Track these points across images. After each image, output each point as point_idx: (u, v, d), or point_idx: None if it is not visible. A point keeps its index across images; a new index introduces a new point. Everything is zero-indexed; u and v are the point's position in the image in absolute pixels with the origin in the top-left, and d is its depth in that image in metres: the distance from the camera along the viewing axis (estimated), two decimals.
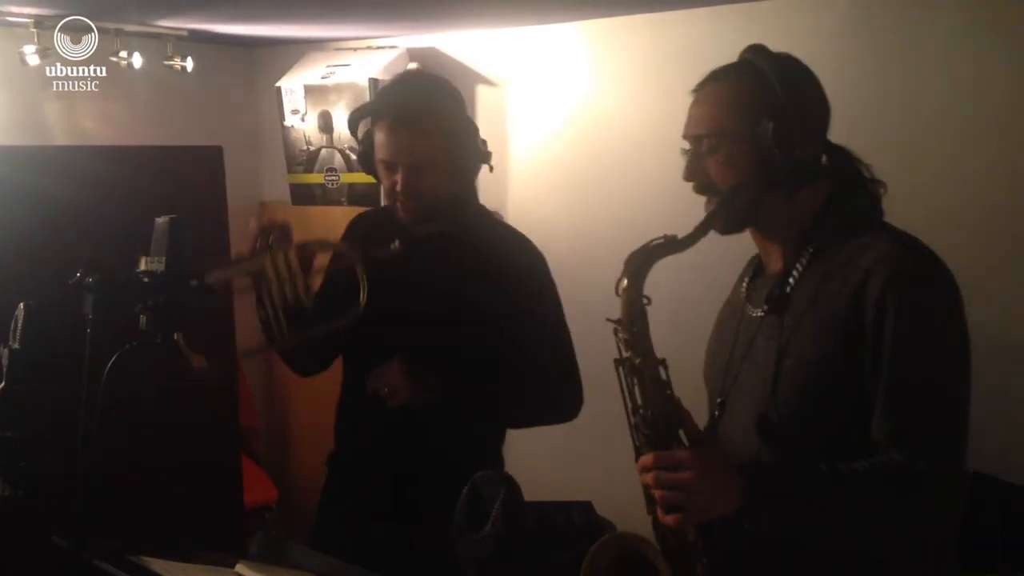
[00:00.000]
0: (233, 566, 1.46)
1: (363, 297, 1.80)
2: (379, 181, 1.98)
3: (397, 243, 1.86)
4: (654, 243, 1.45)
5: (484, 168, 2.01)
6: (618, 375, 1.46)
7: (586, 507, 1.91)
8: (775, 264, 1.58)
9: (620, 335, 1.44)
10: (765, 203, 1.51)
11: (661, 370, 1.44)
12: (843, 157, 1.57)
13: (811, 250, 1.51)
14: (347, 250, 1.84)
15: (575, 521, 1.85)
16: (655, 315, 1.44)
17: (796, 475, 1.39)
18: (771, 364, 1.49)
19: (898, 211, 1.63)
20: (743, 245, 1.64)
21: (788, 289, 1.52)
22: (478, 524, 1.21)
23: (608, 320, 1.46)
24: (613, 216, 3.32)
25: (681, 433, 1.43)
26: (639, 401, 1.45)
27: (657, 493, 1.36)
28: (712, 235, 1.51)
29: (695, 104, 1.55)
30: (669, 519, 1.36)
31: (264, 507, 3.80)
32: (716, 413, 1.61)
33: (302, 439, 4.21)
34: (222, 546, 1.62)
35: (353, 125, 1.99)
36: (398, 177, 1.88)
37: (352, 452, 2.09)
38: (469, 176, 1.98)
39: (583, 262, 2.99)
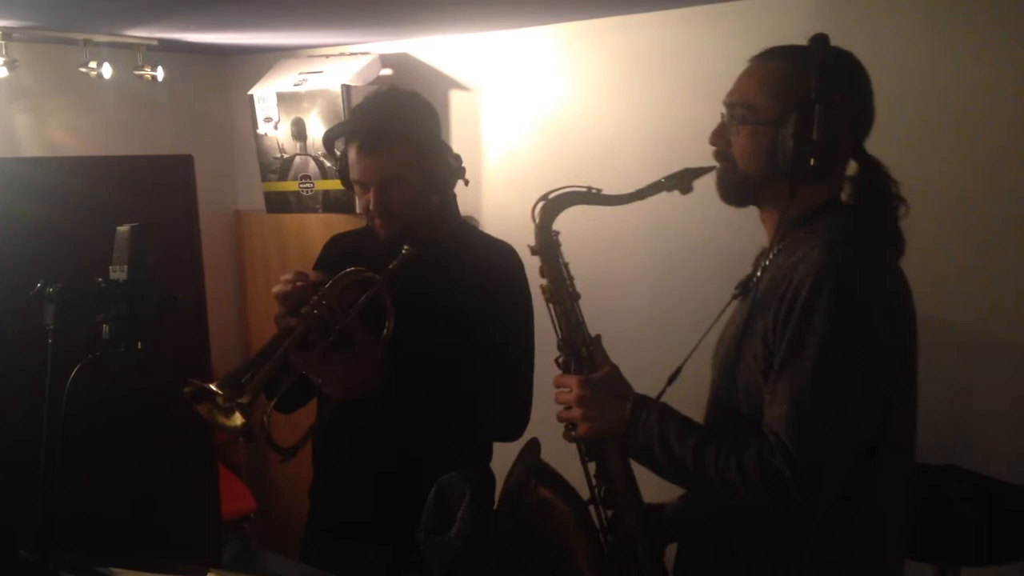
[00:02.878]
0: (205, 575, 1.45)
1: (389, 327, 1.80)
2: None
3: (407, 247, 1.83)
4: (574, 188, 1.64)
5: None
6: (547, 305, 1.68)
7: None
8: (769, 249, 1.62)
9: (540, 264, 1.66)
10: (768, 187, 1.53)
11: (576, 306, 1.65)
12: (872, 168, 1.57)
13: (785, 242, 1.55)
14: (379, 280, 1.81)
15: None
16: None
17: (667, 415, 1.52)
18: (728, 347, 1.58)
19: None
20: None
21: (756, 276, 1.57)
22: (445, 526, 1.21)
23: (528, 246, 1.67)
24: (587, 218, 3.31)
25: None
26: (558, 329, 1.65)
27: (559, 412, 1.59)
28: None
29: (742, 73, 1.57)
30: (568, 436, 1.59)
31: (243, 518, 3.78)
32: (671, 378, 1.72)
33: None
34: (200, 558, 1.61)
35: (328, 145, 1.99)
36: (370, 196, 1.89)
37: (336, 477, 2.06)
38: (445, 190, 1.98)
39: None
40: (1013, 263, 2.60)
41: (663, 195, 1.64)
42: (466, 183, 2.02)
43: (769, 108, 1.49)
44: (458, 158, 1.99)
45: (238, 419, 1.66)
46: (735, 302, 1.65)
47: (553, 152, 3.46)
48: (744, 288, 1.61)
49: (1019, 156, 2.57)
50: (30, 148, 3.55)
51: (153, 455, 2.79)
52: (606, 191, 3.44)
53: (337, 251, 2.09)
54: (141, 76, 3.62)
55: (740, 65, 1.63)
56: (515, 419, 1.97)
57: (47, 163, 3.07)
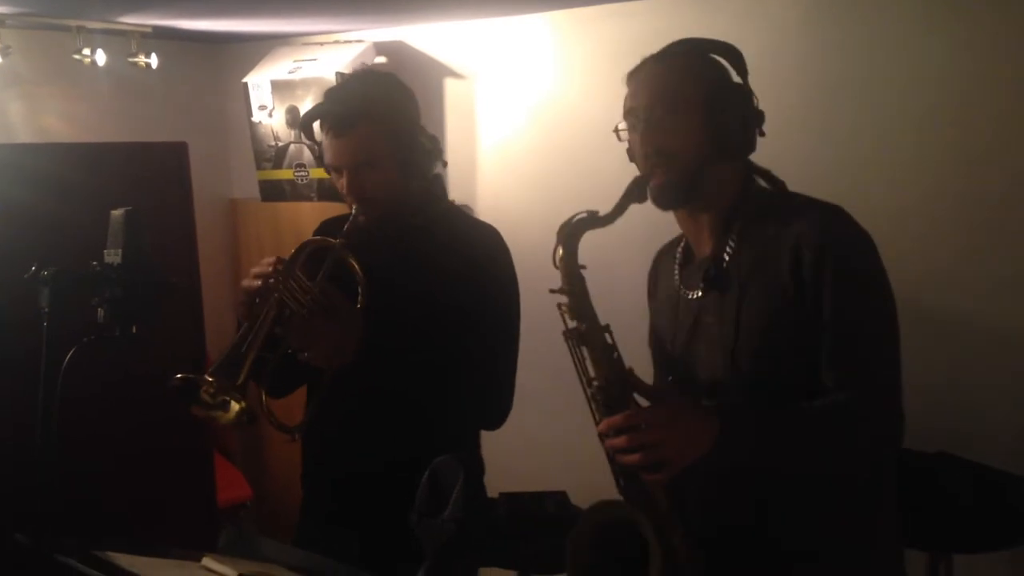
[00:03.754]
0: (200, 560, 1.46)
1: (362, 296, 1.81)
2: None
3: (355, 212, 1.86)
4: (578, 216, 1.52)
5: (453, 161, 1.99)
6: (569, 348, 1.50)
7: (560, 497, 1.90)
8: (704, 247, 1.64)
9: (564, 305, 1.50)
10: (705, 177, 1.56)
11: (607, 336, 1.49)
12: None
13: (739, 227, 1.58)
14: (340, 247, 1.82)
15: (549, 511, 1.84)
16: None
17: (759, 412, 1.49)
18: (724, 337, 1.56)
19: (863, 199, 1.66)
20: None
21: (724, 265, 1.58)
22: (438, 509, 1.21)
23: (551, 290, 1.50)
24: (582, 207, 3.31)
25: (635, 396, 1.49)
26: (591, 371, 1.48)
27: (633, 457, 1.38)
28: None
29: (643, 78, 1.60)
30: (656, 477, 1.39)
31: (239, 505, 3.78)
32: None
33: (278, 437, 4.17)
34: (196, 544, 1.61)
35: (306, 129, 1.98)
36: (343, 180, 1.88)
37: (324, 458, 2.06)
38: (421, 173, 1.95)
39: (552, 254, 2.99)
40: (1007, 250, 2.61)
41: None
42: (444, 164, 2.01)
43: (694, 95, 1.54)
44: (434, 139, 1.95)
45: (235, 406, 1.67)
46: (691, 295, 1.64)
47: (548, 139, 3.46)
48: (716, 281, 1.59)
49: (1011, 146, 2.58)
50: (24, 135, 3.54)
51: (149, 441, 2.80)
52: (602, 180, 3.47)
53: (327, 234, 2.09)
54: (135, 63, 3.61)
55: None
56: (493, 406, 1.95)
57: (41, 150, 3.07)
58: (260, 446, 4.22)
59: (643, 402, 1.47)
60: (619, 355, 1.50)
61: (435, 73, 3.66)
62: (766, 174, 1.64)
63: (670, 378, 1.70)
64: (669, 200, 1.59)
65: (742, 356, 1.54)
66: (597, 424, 1.46)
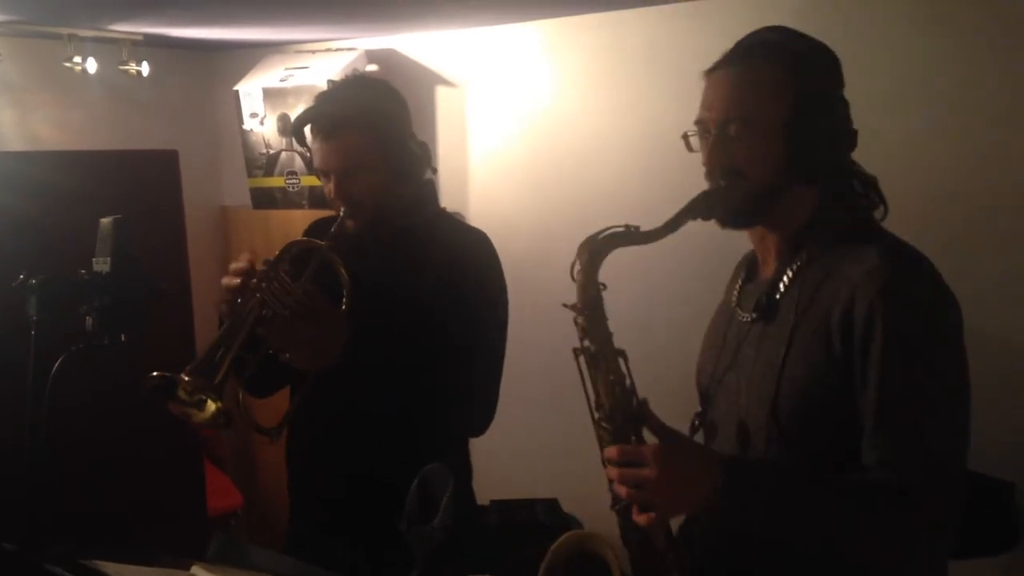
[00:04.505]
0: (189, 568, 1.45)
1: (345, 302, 1.81)
2: None
3: (342, 212, 1.86)
4: (611, 231, 1.36)
5: (445, 169, 1.99)
6: (578, 366, 1.40)
7: (552, 504, 1.90)
8: (769, 268, 1.50)
9: (578, 322, 1.38)
10: (777, 198, 1.41)
11: (620, 361, 1.37)
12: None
13: (804, 256, 1.43)
14: (326, 249, 1.82)
15: (540, 518, 1.84)
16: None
17: (776, 473, 1.33)
18: (757, 378, 1.42)
19: None
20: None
21: (777, 296, 1.44)
22: (427, 517, 1.21)
23: (564, 305, 1.38)
24: (573, 215, 3.33)
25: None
26: (600, 394, 1.38)
27: (623, 491, 1.30)
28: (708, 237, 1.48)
29: (718, 84, 1.42)
30: (641, 519, 1.30)
31: (229, 514, 3.77)
32: (696, 422, 1.56)
33: (268, 445, 4.16)
34: (185, 552, 1.61)
35: (297, 134, 1.98)
36: (331, 185, 1.88)
37: (309, 463, 2.05)
38: (411, 178, 1.95)
39: (543, 262, 2.98)
40: (992, 256, 2.62)
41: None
42: (434, 171, 2.01)
43: (775, 112, 1.37)
44: (424, 146, 1.96)
45: (211, 406, 1.66)
46: (743, 317, 1.50)
47: (539, 148, 3.46)
48: (766, 310, 1.45)
49: (1003, 148, 2.60)
50: (14, 142, 3.54)
51: (138, 449, 2.79)
52: (592, 188, 3.46)
53: (317, 236, 2.09)
54: (126, 71, 3.61)
55: None
56: (475, 413, 1.95)
57: (31, 157, 3.07)
58: (250, 453, 4.21)
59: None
60: (632, 384, 1.38)
61: (427, 81, 3.67)
62: (874, 196, 1.48)
63: (698, 410, 1.56)
64: (732, 220, 1.44)
65: (781, 406, 1.37)
66: (600, 444, 1.38)
